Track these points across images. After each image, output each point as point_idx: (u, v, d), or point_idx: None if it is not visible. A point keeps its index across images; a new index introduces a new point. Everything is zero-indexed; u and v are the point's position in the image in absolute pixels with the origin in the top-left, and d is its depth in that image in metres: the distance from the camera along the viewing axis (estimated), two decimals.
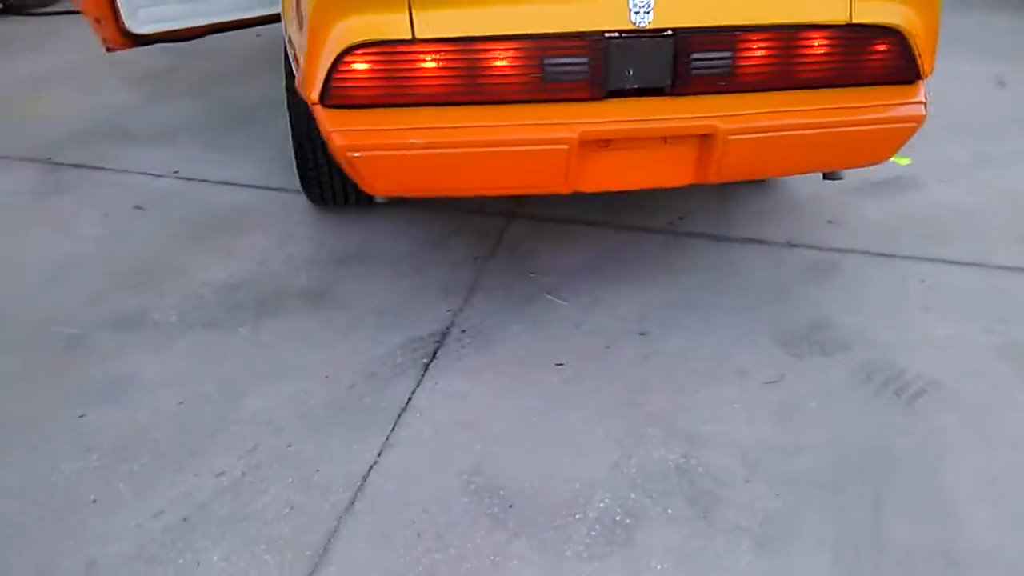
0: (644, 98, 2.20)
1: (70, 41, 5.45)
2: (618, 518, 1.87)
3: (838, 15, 2.20)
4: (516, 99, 2.15)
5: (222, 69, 4.77)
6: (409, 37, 2.04)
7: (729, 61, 2.20)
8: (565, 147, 2.13)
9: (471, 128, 2.11)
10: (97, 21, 4.17)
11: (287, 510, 1.88)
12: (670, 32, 2.13)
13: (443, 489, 1.94)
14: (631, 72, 2.16)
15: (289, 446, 2.06)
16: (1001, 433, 2.12)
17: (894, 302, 2.66)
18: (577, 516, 1.87)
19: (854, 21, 2.21)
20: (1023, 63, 5.05)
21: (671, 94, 2.20)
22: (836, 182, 2.77)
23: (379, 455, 2.04)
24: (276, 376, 2.31)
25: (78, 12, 6.11)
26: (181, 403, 2.21)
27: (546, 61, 2.12)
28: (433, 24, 2.05)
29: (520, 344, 2.46)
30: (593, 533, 1.83)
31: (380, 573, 1.74)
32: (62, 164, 3.65)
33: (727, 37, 2.18)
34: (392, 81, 2.10)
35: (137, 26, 4.21)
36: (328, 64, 2.05)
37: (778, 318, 2.57)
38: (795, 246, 2.99)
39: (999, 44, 5.47)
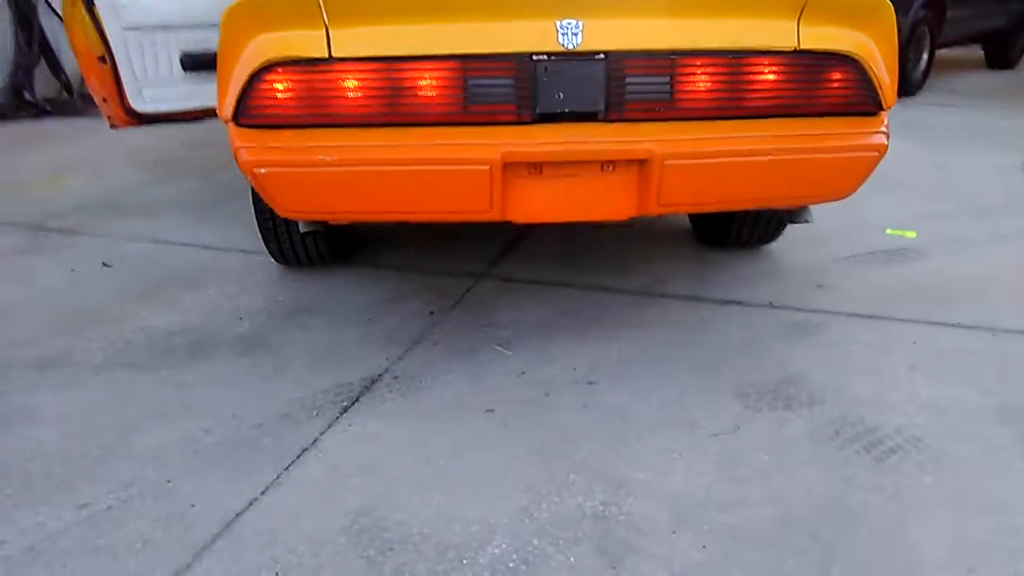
0: (576, 123, 2.07)
1: (100, 137, 5.71)
2: (512, 564, 1.60)
3: (784, 41, 2.08)
4: (439, 121, 2.05)
5: (229, 156, 4.88)
6: (325, 56, 1.98)
7: (667, 87, 2.08)
8: (487, 168, 2.00)
9: (385, 146, 2.01)
10: (104, 100, 4.32)
11: (139, 545, 1.66)
12: (602, 55, 2.03)
13: (321, 529, 1.70)
14: (561, 96, 2.04)
15: (168, 481, 1.86)
16: (987, 496, 1.79)
17: (878, 361, 2.38)
18: (464, 561, 1.61)
19: (802, 47, 2.08)
20: None
21: (605, 120, 2.07)
22: (804, 225, 2.55)
23: (263, 493, 1.82)
24: (181, 414, 2.14)
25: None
26: (72, 436, 2.05)
27: (470, 82, 2.02)
28: (351, 43, 1.99)
29: (452, 391, 2.25)
30: None
31: None
32: (49, 229, 3.68)
33: (664, 62, 2.06)
34: (308, 101, 2.02)
35: (141, 105, 4.34)
36: (241, 82, 1.98)
37: (744, 373, 2.31)
38: (776, 307, 2.75)
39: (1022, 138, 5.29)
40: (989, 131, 5.63)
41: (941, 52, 8.80)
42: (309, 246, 2.95)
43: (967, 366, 2.34)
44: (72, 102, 7.02)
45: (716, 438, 2.00)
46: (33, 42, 6.89)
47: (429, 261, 3.18)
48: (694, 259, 3.19)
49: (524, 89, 2.03)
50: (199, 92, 4.28)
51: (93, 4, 4.11)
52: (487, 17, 2.02)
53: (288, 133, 2.03)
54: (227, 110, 2.02)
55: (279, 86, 2.00)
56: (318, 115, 2.03)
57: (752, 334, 2.56)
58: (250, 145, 2.00)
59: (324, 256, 3.04)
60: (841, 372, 2.31)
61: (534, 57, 2.01)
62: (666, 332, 2.58)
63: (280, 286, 3.00)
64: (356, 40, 1.99)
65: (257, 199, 2.85)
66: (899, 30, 6.43)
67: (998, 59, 8.79)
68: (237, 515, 1.75)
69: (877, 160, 2.16)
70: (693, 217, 3.38)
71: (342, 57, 1.99)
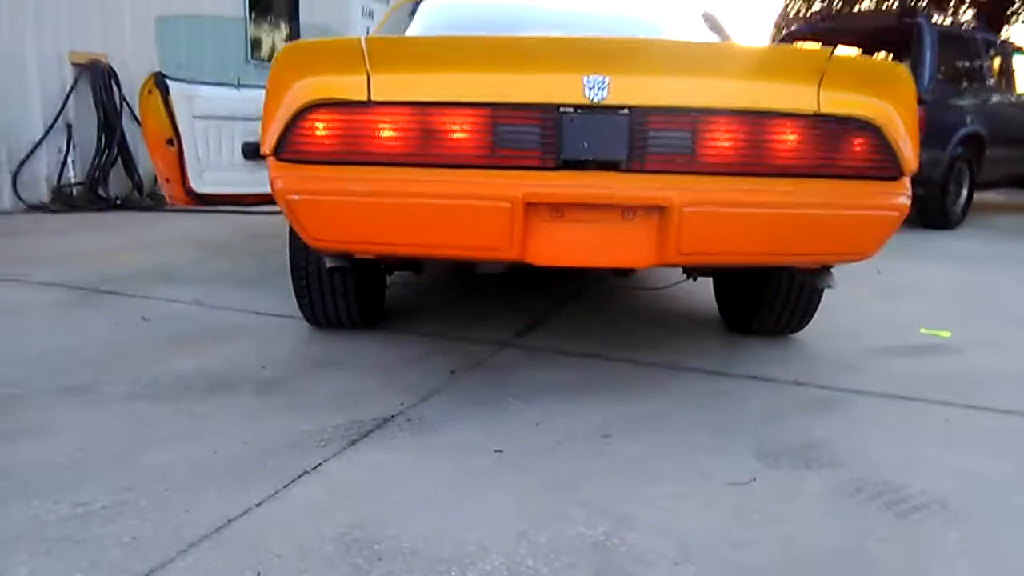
0: (599, 172, 2.14)
1: (162, 226, 6.05)
2: None
3: (805, 104, 2.15)
4: (468, 164, 2.14)
5: (282, 243, 5.08)
6: (365, 99, 2.11)
7: (689, 142, 2.15)
8: (508, 205, 2.07)
9: (413, 180, 2.10)
10: (167, 180, 4.61)
11: (127, 539, 1.63)
12: (626, 110, 2.12)
13: (312, 539, 1.66)
14: (585, 145, 2.13)
15: (166, 490, 1.85)
16: (1016, 555, 1.66)
17: (907, 434, 2.29)
18: (452, 573, 1.54)
19: (822, 112, 2.15)
20: None
21: (628, 170, 2.14)
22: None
23: (258, 505, 1.79)
24: (191, 439, 2.14)
25: (177, 211, 6.84)
26: (81, 449, 2.06)
27: (499, 129, 2.12)
28: (390, 88, 2.12)
29: (464, 434, 2.22)
30: None
31: None
32: (103, 291, 3.83)
33: (687, 118, 2.14)
34: (347, 140, 2.14)
35: (201, 186, 4.62)
36: (285, 120, 2.12)
37: (764, 436, 2.24)
38: (802, 384, 2.68)
39: None
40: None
41: (987, 195, 8.86)
42: (340, 307, 3.02)
43: (1001, 444, 2.23)
44: (142, 200, 7.46)
45: (731, 487, 1.92)
46: (113, 144, 7.42)
47: (457, 330, 3.21)
48: (722, 341, 3.17)
49: (550, 137, 2.12)
50: (256, 179, 4.54)
51: (168, 93, 4.46)
52: (518, 69, 2.15)
53: (325, 168, 2.14)
54: (269, 145, 2.15)
55: (320, 125, 2.13)
56: (355, 153, 2.14)
57: (775, 405, 2.50)
58: (287, 175, 2.11)
59: (355, 319, 3.09)
60: (866, 441, 2.23)
61: (561, 109, 2.11)
62: (687, 398, 2.53)
63: (309, 343, 3.06)
64: (395, 85, 2.13)
65: (294, 257, 2.96)
66: (937, 164, 6.56)
67: None
68: (229, 522, 1.72)
69: (899, 220, 2.17)
70: (720, 302, 3.38)
71: (381, 101, 2.12)
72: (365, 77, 2.10)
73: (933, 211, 6.96)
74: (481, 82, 2.14)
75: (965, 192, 7.23)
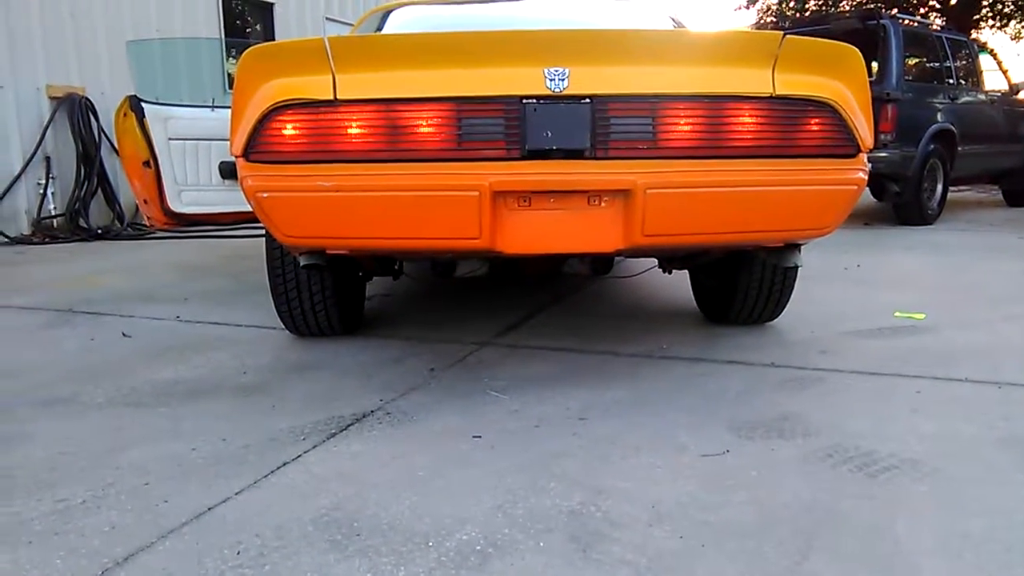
0: (563, 160, 2.19)
1: (143, 253, 6.05)
2: (479, 547, 1.54)
3: (761, 87, 2.21)
4: (435, 157, 2.18)
5: (261, 264, 5.09)
6: (331, 98, 2.15)
7: (650, 128, 2.20)
8: (476, 194, 2.11)
9: (381, 174, 2.14)
10: (145, 202, 4.63)
11: (107, 528, 1.65)
12: (588, 99, 2.17)
13: (291, 520, 1.67)
14: (549, 134, 2.17)
15: (146, 484, 1.86)
16: (984, 502, 1.70)
17: (878, 405, 2.33)
18: (430, 544, 1.56)
19: (777, 94, 2.21)
20: None
21: (591, 157, 2.18)
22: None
23: (238, 493, 1.81)
24: (171, 438, 2.15)
25: (159, 238, 6.85)
26: (62, 453, 2.07)
27: (465, 122, 2.17)
28: (355, 86, 2.16)
29: (442, 423, 2.24)
30: (443, 559, 1.51)
31: None
32: (80, 312, 3.84)
33: (646, 105, 2.19)
34: (314, 139, 2.18)
35: (179, 207, 4.64)
36: (252, 122, 2.15)
37: (739, 412, 2.27)
38: (778, 366, 2.72)
39: None
40: (1006, 247, 5.67)
41: (961, 194, 8.98)
42: (319, 313, 3.04)
43: (970, 409, 2.28)
44: (123, 230, 7.46)
45: (704, 458, 1.95)
46: (93, 175, 7.44)
47: (436, 333, 3.23)
48: (701, 332, 3.21)
49: (514, 128, 2.16)
50: (234, 198, 4.57)
51: (143, 116, 4.49)
52: (481, 64, 2.20)
53: (294, 167, 2.18)
54: (238, 146, 2.18)
55: (288, 125, 2.17)
56: (323, 151, 2.18)
57: (751, 386, 2.53)
58: (256, 174, 2.14)
59: (334, 325, 3.12)
60: (840, 413, 2.26)
61: (524, 100, 2.16)
62: (664, 383, 2.57)
63: (288, 350, 3.07)
64: (360, 84, 2.17)
65: (272, 263, 2.98)
66: (911, 161, 6.61)
67: (1017, 198, 8.88)
68: (209, 509, 1.73)
69: (857, 194, 2.22)
70: (697, 294, 3.42)
71: (347, 99, 2.16)
72: (331, 77, 2.14)
73: (910, 207, 7.05)
74: (445, 77, 2.18)
75: (940, 188, 7.34)
